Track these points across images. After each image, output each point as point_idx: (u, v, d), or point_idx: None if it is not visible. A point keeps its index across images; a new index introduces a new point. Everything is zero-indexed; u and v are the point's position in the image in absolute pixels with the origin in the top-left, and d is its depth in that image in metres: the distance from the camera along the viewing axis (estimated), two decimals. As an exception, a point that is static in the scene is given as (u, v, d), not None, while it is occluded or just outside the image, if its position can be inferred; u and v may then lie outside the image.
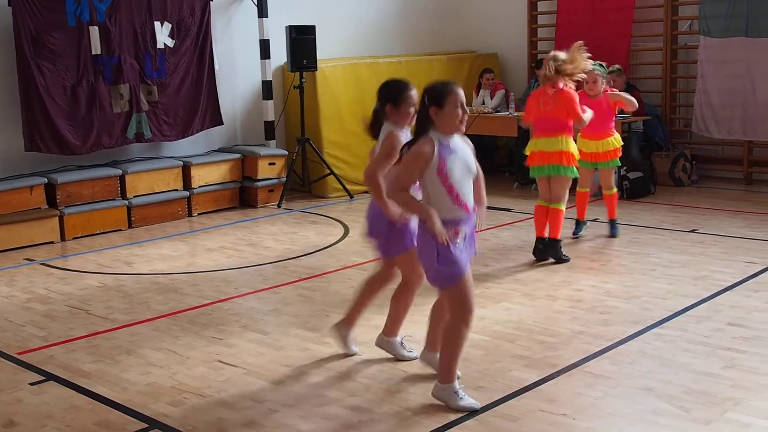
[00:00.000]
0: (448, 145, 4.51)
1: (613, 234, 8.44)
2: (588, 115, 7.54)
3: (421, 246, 4.62)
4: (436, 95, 4.50)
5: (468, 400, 4.67)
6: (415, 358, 5.32)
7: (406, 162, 4.52)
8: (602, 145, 8.25)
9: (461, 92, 4.55)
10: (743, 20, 10.85)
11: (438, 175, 4.45)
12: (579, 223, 8.52)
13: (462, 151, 4.57)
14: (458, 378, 4.78)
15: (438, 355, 4.93)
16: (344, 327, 5.51)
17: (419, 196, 4.63)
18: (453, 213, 4.51)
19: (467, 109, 4.57)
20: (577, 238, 8.40)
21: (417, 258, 4.82)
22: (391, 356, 5.38)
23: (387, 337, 5.42)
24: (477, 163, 4.72)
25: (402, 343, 5.43)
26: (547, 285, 6.92)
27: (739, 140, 11.23)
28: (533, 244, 7.69)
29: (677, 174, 11.06)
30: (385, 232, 5.12)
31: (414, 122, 4.77)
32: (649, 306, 6.32)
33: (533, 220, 7.80)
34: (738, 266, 7.26)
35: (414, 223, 4.90)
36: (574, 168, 7.53)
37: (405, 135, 4.96)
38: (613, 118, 8.42)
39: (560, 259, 7.57)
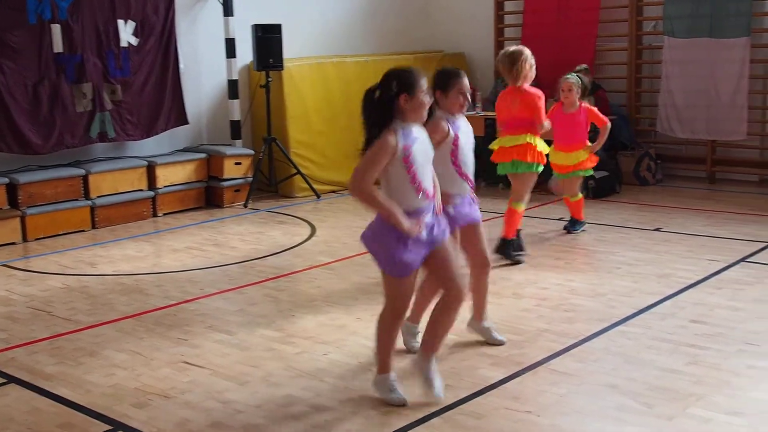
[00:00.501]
0: (411, 133, 4.50)
1: (570, 229, 8.54)
2: (546, 123, 7.50)
3: (378, 230, 4.57)
4: (443, 81, 4.86)
5: (397, 395, 4.67)
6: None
7: (371, 156, 4.47)
8: (573, 157, 8.30)
9: (467, 82, 5.06)
10: (707, 21, 10.95)
11: (403, 163, 4.45)
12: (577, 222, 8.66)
13: (423, 138, 4.59)
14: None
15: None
16: (475, 321, 5.65)
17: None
18: (416, 202, 4.52)
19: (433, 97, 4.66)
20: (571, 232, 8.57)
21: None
22: (356, 357, 5.38)
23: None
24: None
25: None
26: (513, 284, 6.94)
27: (703, 140, 11.33)
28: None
29: (642, 173, 11.14)
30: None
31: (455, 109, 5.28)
32: (614, 304, 6.36)
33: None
34: (701, 264, 7.32)
35: (448, 208, 5.15)
36: (540, 165, 7.54)
37: (449, 123, 5.30)
38: (587, 132, 8.44)
39: (513, 260, 7.57)
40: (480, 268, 5.51)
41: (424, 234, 4.53)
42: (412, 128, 4.52)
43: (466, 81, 5.31)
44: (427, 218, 4.57)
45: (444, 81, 5.27)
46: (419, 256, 4.55)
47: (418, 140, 4.52)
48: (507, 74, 7.29)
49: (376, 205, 4.46)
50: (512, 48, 7.32)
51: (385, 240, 4.52)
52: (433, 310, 4.80)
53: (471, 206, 5.46)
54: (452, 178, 5.31)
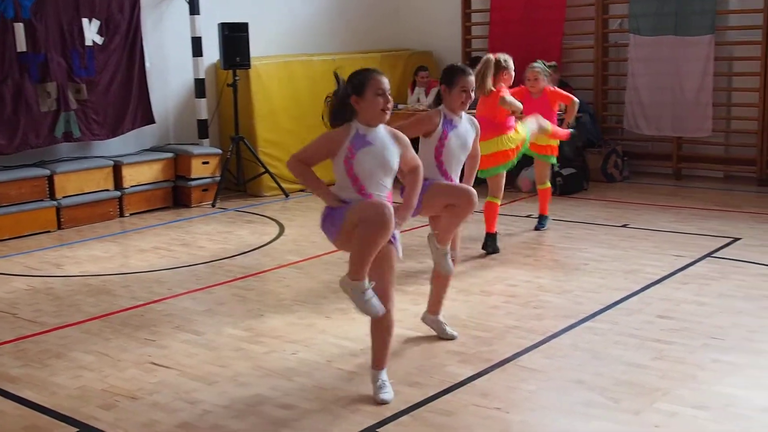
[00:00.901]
0: (365, 136, 4.46)
1: (538, 227, 8.56)
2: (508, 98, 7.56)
3: (327, 216, 4.58)
4: (356, 84, 4.45)
5: (375, 304, 4.51)
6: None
7: (316, 139, 4.50)
8: (546, 137, 8.28)
9: (384, 80, 4.50)
10: (672, 19, 11.04)
11: (344, 164, 4.43)
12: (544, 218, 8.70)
13: (381, 145, 4.50)
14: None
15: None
16: (428, 314, 5.73)
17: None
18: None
19: (390, 98, 4.51)
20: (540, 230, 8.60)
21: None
22: (325, 356, 5.38)
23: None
24: (418, 162, 4.78)
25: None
26: (481, 281, 6.96)
27: (669, 137, 11.42)
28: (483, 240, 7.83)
29: (609, 170, 11.20)
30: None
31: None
32: (582, 300, 6.39)
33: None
34: (667, 260, 7.37)
35: None
36: (514, 160, 7.66)
37: (445, 119, 5.40)
38: (555, 113, 8.50)
39: (496, 251, 7.75)
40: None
41: None
42: (371, 132, 4.48)
43: (471, 79, 5.37)
44: None
45: (449, 77, 5.38)
46: None
47: (372, 146, 4.46)
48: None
49: (304, 176, 4.50)
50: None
51: (332, 223, 4.53)
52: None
53: None
54: (432, 172, 5.37)
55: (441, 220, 5.42)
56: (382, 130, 4.55)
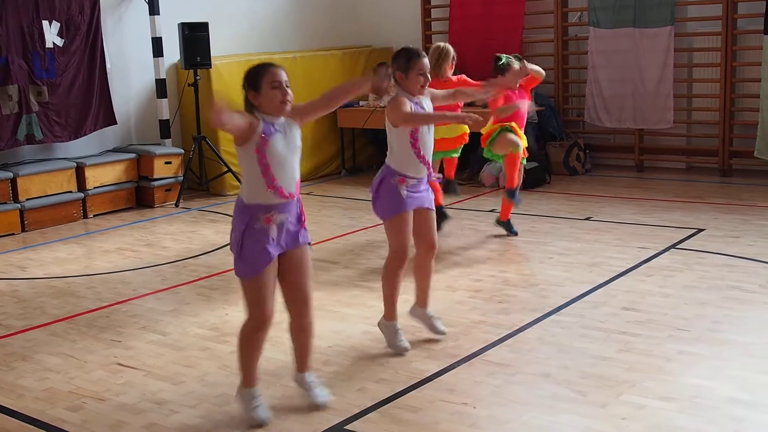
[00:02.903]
0: (273, 124, 4.32)
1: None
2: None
3: (234, 223, 4.42)
4: (252, 79, 4.32)
5: (261, 412, 4.48)
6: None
7: (239, 112, 4.27)
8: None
9: (280, 71, 4.33)
10: (631, 11, 11.11)
11: (256, 153, 4.27)
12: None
13: (285, 133, 4.36)
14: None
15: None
16: (417, 308, 5.67)
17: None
18: (266, 198, 4.32)
19: (288, 89, 4.33)
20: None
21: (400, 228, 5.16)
22: (291, 354, 5.36)
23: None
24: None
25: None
26: (446, 276, 6.97)
27: (630, 129, 11.50)
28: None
29: (571, 163, 11.27)
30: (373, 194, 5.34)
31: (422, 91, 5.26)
32: (547, 293, 6.43)
33: None
34: (631, 252, 7.43)
35: (401, 189, 5.19)
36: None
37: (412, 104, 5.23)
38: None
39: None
40: (425, 251, 5.48)
41: (274, 232, 4.35)
42: (276, 120, 4.34)
43: (425, 61, 5.24)
44: (280, 218, 4.36)
45: (404, 62, 5.22)
46: (265, 255, 4.33)
47: (279, 134, 4.32)
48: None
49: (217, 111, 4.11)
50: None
51: (232, 237, 4.38)
52: (292, 336, 4.66)
53: (426, 192, 5.39)
54: (409, 161, 5.25)
55: (415, 278, 5.55)
56: (281, 118, 4.39)
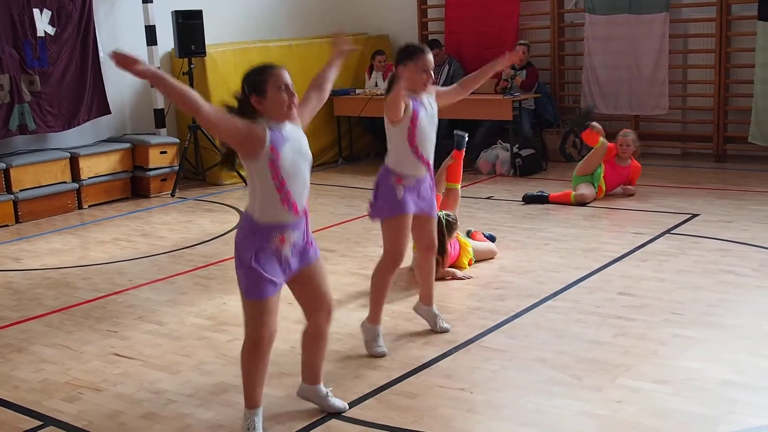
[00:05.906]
0: (280, 131, 3.98)
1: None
2: None
3: (238, 244, 4.10)
4: (254, 82, 3.97)
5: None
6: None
7: (236, 119, 3.94)
8: None
9: (285, 73, 4.02)
10: (626, -3, 11.13)
11: (269, 168, 3.95)
12: None
13: (295, 139, 4.04)
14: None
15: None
16: (421, 305, 5.59)
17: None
18: (279, 216, 4.02)
19: (294, 92, 4.01)
20: None
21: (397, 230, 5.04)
22: (288, 342, 5.36)
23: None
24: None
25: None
26: (442, 263, 6.97)
27: (626, 115, 11.49)
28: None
29: (568, 150, 11.26)
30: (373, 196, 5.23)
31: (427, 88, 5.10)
32: (543, 279, 6.44)
33: None
34: (626, 237, 7.44)
35: (398, 189, 5.06)
36: None
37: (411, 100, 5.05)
38: None
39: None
40: (426, 251, 5.41)
41: (288, 252, 4.09)
42: (283, 127, 4.00)
43: (430, 57, 5.05)
44: (294, 236, 4.10)
45: (407, 58, 5.04)
46: (277, 278, 4.08)
47: (289, 142, 3.98)
48: None
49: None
50: None
51: (242, 255, 4.04)
52: (303, 342, 4.47)
53: (427, 193, 5.22)
54: (407, 159, 5.08)
55: (418, 277, 5.53)
56: (288, 124, 4.05)
